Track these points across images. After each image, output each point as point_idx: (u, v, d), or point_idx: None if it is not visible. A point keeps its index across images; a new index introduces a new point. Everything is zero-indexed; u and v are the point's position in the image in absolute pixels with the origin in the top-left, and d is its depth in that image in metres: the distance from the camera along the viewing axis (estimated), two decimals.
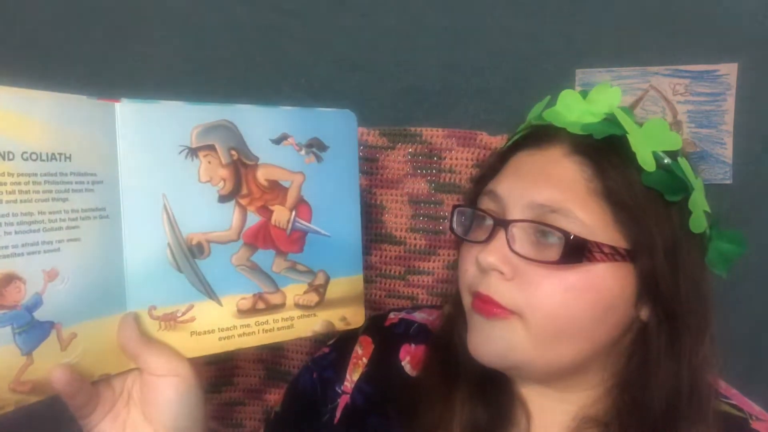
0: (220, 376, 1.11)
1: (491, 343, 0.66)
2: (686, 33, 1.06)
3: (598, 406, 0.69)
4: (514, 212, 0.66)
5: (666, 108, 1.08)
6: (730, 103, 1.06)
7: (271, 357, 1.11)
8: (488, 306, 0.65)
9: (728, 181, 1.07)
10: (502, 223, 0.66)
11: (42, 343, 0.54)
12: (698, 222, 0.67)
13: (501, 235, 0.65)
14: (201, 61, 1.14)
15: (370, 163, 1.07)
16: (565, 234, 0.62)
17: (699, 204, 0.67)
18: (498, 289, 0.64)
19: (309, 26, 1.12)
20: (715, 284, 0.70)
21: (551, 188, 0.65)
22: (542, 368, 0.67)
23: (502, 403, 0.71)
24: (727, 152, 1.07)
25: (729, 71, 1.06)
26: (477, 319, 0.67)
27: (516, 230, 0.65)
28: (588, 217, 0.63)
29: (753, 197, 1.08)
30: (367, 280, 1.07)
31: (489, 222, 0.68)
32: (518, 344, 0.64)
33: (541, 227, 0.64)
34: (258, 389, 1.12)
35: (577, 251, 0.62)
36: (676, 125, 1.08)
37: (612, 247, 0.63)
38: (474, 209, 0.71)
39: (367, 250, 1.06)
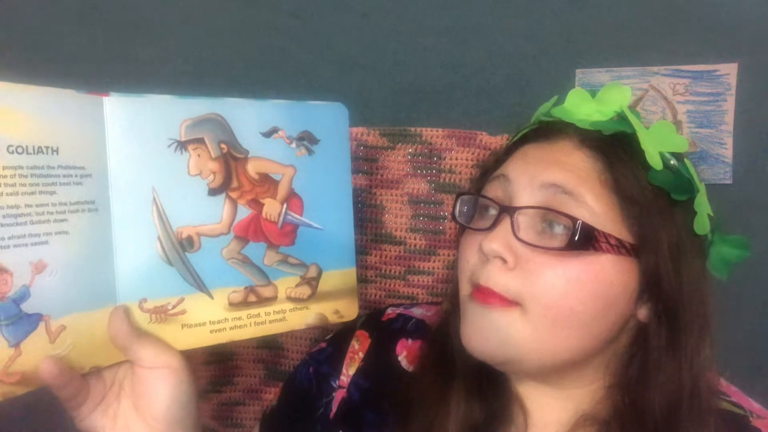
0: (219, 376, 1.11)
1: (485, 333, 0.64)
2: (686, 33, 1.06)
3: (598, 407, 0.68)
4: (523, 195, 0.65)
5: (666, 108, 1.07)
6: (730, 103, 1.06)
7: (270, 357, 1.11)
8: (488, 296, 0.64)
9: (728, 181, 1.07)
10: (507, 210, 0.65)
11: (30, 335, 0.55)
12: (702, 224, 0.67)
13: (506, 222, 0.64)
14: (201, 61, 1.14)
15: (370, 163, 1.07)
16: (574, 220, 0.62)
17: (703, 206, 0.67)
18: (499, 281, 0.63)
19: (309, 26, 1.12)
20: (715, 284, 0.69)
21: (565, 171, 0.64)
22: (537, 362, 0.65)
23: (498, 400, 0.71)
24: (727, 152, 1.06)
25: (729, 71, 1.05)
26: (472, 307, 0.65)
27: (521, 218, 0.64)
28: (598, 206, 0.63)
29: (753, 197, 1.07)
30: (367, 280, 1.07)
31: (493, 212, 0.67)
32: (514, 336, 0.63)
33: (549, 216, 0.63)
34: (258, 389, 1.12)
35: (584, 239, 0.61)
36: (676, 125, 1.07)
37: (618, 240, 0.63)
38: (479, 196, 0.70)
39: (367, 250, 1.06)
